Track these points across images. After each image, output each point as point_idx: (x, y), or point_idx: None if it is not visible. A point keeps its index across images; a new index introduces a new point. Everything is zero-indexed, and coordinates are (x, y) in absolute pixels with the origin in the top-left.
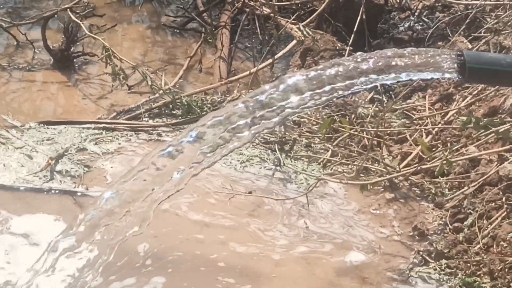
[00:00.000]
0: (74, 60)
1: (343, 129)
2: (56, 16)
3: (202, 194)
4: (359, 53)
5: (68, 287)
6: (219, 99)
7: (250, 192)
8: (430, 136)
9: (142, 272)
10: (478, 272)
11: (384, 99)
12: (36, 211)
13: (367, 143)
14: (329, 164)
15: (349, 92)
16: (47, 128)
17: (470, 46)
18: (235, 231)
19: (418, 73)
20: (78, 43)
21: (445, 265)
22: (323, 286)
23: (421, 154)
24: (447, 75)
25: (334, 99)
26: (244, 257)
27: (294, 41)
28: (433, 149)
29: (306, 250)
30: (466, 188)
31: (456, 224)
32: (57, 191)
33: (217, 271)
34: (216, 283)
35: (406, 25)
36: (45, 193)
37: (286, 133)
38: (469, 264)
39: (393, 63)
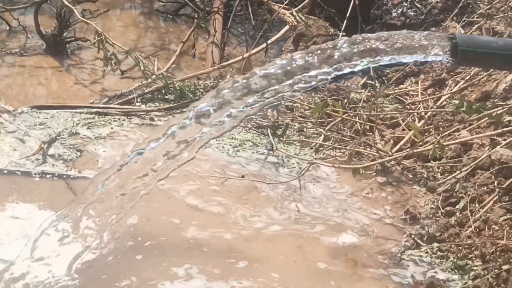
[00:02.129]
0: (67, 45)
1: (336, 114)
2: (48, 1)
3: (196, 178)
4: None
5: None
6: (212, 84)
7: (242, 176)
8: (422, 121)
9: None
10: (470, 255)
11: (377, 84)
12: (29, 194)
13: (359, 128)
14: (321, 148)
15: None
16: (40, 112)
17: (462, 32)
18: (226, 214)
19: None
20: (70, 28)
21: (437, 248)
22: (315, 268)
23: (413, 138)
24: (439, 58)
25: (327, 84)
26: (234, 239)
27: (287, 27)
28: (425, 133)
29: (297, 232)
30: (458, 172)
31: (448, 208)
32: (49, 175)
33: (206, 253)
34: (207, 263)
35: (399, 11)
36: (37, 176)
37: (279, 117)
38: (460, 247)
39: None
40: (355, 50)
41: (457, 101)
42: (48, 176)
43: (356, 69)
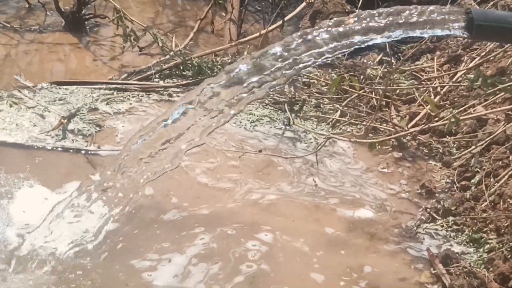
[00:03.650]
0: (85, 22)
1: (352, 90)
2: None
3: (215, 152)
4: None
5: None
6: (229, 60)
7: (260, 151)
8: (438, 97)
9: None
10: (485, 229)
11: (393, 60)
12: (49, 168)
13: (375, 104)
14: (338, 124)
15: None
16: (59, 88)
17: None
18: (244, 186)
19: (426, 30)
20: (89, 5)
21: (452, 222)
22: (331, 241)
23: (429, 113)
24: (454, 32)
25: (343, 60)
26: (253, 210)
27: (304, 4)
28: (441, 109)
29: (314, 206)
30: (473, 147)
31: (463, 182)
32: (69, 150)
33: (226, 224)
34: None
35: None
36: (57, 151)
37: (296, 93)
38: (475, 221)
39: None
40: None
41: (473, 76)
42: (70, 150)
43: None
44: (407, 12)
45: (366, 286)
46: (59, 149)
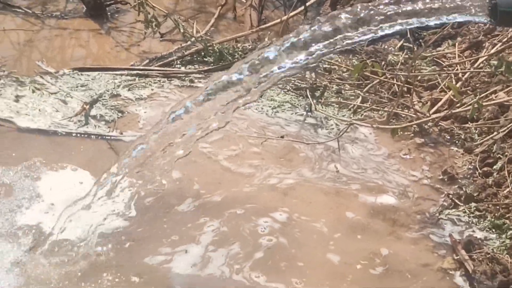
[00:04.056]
0: (107, 8)
1: (374, 76)
2: None
3: (237, 139)
4: None
5: None
6: (250, 46)
7: (282, 137)
8: (460, 83)
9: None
10: (507, 215)
11: (414, 46)
12: (72, 155)
13: (397, 90)
14: (359, 110)
15: None
16: (81, 74)
17: None
18: (265, 171)
19: (449, 17)
20: None
21: (475, 208)
22: (353, 226)
23: (451, 99)
24: (478, 19)
25: (364, 47)
26: (275, 194)
27: None
28: (463, 95)
29: (336, 191)
30: (495, 133)
31: (485, 168)
32: (92, 136)
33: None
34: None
35: None
36: (80, 137)
37: (317, 79)
38: (498, 207)
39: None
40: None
41: (495, 62)
42: (92, 136)
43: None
44: None
45: (387, 271)
46: (82, 135)
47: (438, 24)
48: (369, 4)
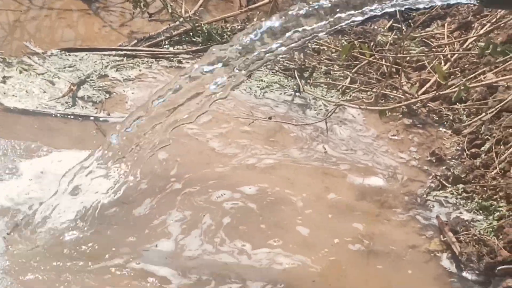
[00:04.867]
0: None
1: (362, 57)
2: None
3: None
4: None
5: None
6: (239, 27)
7: (270, 118)
8: (448, 64)
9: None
10: (495, 196)
11: (403, 27)
12: (60, 136)
13: (385, 71)
14: (348, 91)
15: None
16: (69, 55)
17: None
18: (253, 150)
19: None
20: None
21: (462, 190)
22: (341, 208)
23: (439, 80)
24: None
25: (353, 27)
26: (262, 176)
27: None
28: (451, 76)
29: (323, 172)
30: (483, 114)
31: (473, 150)
32: (79, 117)
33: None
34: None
35: None
36: (67, 118)
37: (306, 60)
38: (485, 189)
39: None
40: None
41: (483, 44)
42: (79, 118)
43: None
44: None
45: (374, 252)
46: (69, 116)
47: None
48: None
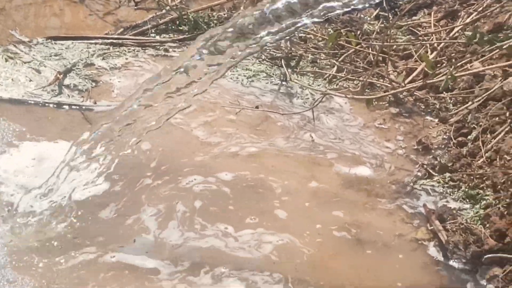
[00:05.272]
0: None
1: (349, 45)
2: None
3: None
4: None
5: None
6: (225, 15)
7: (256, 107)
8: (435, 52)
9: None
10: (481, 185)
11: (390, 15)
12: (46, 125)
13: (372, 59)
14: (334, 79)
15: None
16: (55, 43)
17: None
18: (238, 139)
19: None
20: None
21: (449, 178)
22: (326, 196)
23: (426, 69)
24: None
25: (340, 15)
26: (243, 164)
27: None
28: (438, 65)
29: (310, 161)
30: (470, 103)
31: (460, 138)
32: (65, 106)
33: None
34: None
35: None
36: (53, 106)
37: (292, 49)
38: (472, 177)
39: None
40: None
41: (470, 33)
42: (65, 107)
43: None
44: None
45: (361, 241)
46: (55, 104)
47: None
48: None
